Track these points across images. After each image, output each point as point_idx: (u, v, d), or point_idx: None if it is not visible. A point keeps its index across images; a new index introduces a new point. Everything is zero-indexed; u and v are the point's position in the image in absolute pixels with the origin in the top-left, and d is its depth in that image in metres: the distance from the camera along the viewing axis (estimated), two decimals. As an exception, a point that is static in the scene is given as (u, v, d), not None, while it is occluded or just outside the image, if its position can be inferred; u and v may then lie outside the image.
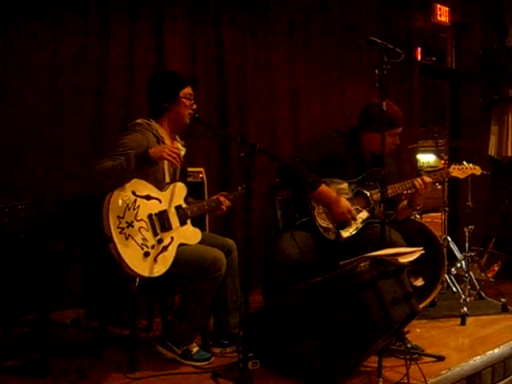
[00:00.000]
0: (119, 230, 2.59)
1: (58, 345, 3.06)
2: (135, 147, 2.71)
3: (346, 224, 3.14)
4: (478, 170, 3.52)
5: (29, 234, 3.00)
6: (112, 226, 2.57)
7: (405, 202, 3.33)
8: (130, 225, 2.64)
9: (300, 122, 4.83)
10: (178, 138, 3.07)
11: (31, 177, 3.54)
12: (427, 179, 3.23)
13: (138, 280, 2.69)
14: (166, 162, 2.87)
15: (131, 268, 2.58)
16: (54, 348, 2.97)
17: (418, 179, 3.22)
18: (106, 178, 2.60)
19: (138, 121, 2.89)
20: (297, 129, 4.82)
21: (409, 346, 2.84)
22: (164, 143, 2.88)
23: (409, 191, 3.24)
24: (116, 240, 2.56)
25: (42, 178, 3.59)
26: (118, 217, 2.61)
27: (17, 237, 2.95)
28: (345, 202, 3.14)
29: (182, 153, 3.01)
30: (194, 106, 2.96)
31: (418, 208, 3.46)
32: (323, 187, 3.12)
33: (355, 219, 3.16)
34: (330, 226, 3.14)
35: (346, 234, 3.13)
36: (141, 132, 2.82)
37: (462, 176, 3.47)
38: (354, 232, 3.15)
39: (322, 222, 3.13)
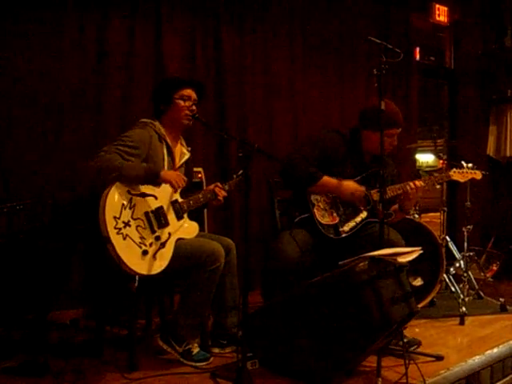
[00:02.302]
0: (116, 230, 2.58)
1: (56, 345, 3.05)
2: (137, 141, 2.78)
3: (344, 222, 3.14)
4: (478, 175, 3.51)
5: (28, 235, 3.00)
6: (109, 227, 2.56)
7: (396, 206, 3.32)
8: (127, 224, 2.64)
9: (299, 123, 4.84)
10: (183, 142, 3.10)
11: (30, 177, 3.54)
12: (419, 183, 3.20)
13: (137, 279, 2.68)
14: (166, 161, 2.91)
15: (130, 267, 2.58)
16: (53, 348, 2.97)
17: (410, 183, 3.20)
18: (109, 174, 2.64)
19: (143, 119, 2.96)
20: (295, 129, 4.82)
21: (405, 340, 2.84)
22: (166, 141, 2.92)
23: (399, 191, 3.22)
24: (114, 241, 2.56)
25: (41, 178, 3.59)
26: (115, 217, 2.60)
27: (16, 237, 2.94)
28: (350, 185, 3.13)
29: (186, 157, 3.05)
30: (193, 107, 2.97)
31: (408, 212, 3.44)
32: (325, 177, 3.12)
33: (367, 195, 3.15)
34: (330, 223, 3.13)
35: (344, 231, 3.13)
36: (145, 128, 2.89)
37: (462, 180, 3.47)
38: (352, 230, 3.14)
39: (321, 219, 3.13)
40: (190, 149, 3.13)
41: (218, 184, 3.08)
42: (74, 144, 3.72)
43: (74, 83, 3.73)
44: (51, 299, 3.20)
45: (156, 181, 2.75)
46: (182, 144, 3.10)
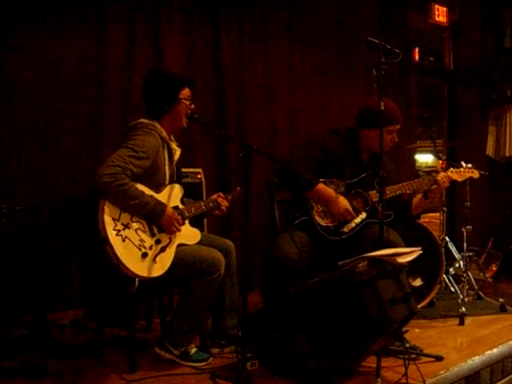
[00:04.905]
0: (115, 231, 2.57)
1: (55, 346, 3.05)
2: (148, 152, 2.70)
3: (344, 223, 3.14)
4: (476, 174, 3.52)
5: (26, 235, 3.00)
6: (108, 228, 2.55)
7: (419, 196, 3.33)
8: (126, 226, 2.62)
9: (298, 121, 4.85)
10: (172, 138, 3.00)
11: (29, 178, 3.54)
12: (445, 174, 3.30)
13: (137, 281, 2.68)
14: (166, 165, 2.86)
15: (129, 269, 2.57)
16: (52, 349, 2.97)
17: (441, 174, 3.28)
18: (127, 199, 2.60)
19: (144, 121, 2.82)
20: (295, 128, 4.83)
21: (407, 345, 2.84)
22: (168, 144, 2.87)
23: (409, 191, 3.23)
24: (112, 242, 2.55)
25: (40, 179, 3.58)
26: (114, 219, 2.59)
27: (14, 238, 2.94)
28: (343, 202, 3.13)
29: (178, 153, 2.98)
30: (192, 106, 2.92)
31: (434, 200, 3.48)
32: (321, 185, 3.11)
33: (353, 218, 3.15)
34: (329, 224, 3.13)
35: (344, 232, 3.13)
36: (153, 135, 2.77)
37: (460, 179, 3.47)
38: (352, 231, 3.14)
39: (321, 220, 3.13)
40: (177, 144, 3.01)
41: (221, 194, 3.06)
42: (73, 145, 3.72)
43: (74, 84, 3.73)
44: (49, 300, 3.20)
45: (157, 221, 2.71)
46: (172, 140, 2.98)
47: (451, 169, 3.46)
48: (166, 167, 2.86)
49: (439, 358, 2.89)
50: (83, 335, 3.29)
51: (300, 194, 3.16)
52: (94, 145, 3.79)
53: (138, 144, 2.68)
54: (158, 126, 2.83)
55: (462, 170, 3.46)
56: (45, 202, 3.40)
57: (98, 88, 3.83)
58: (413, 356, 2.80)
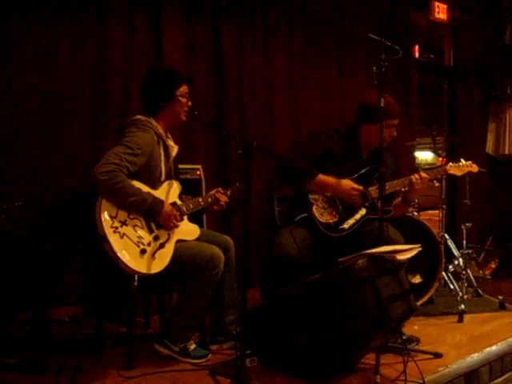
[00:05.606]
0: (113, 229, 2.57)
1: (55, 342, 3.05)
2: (144, 149, 2.70)
3: (344, 220, 3.14)
4: (474, 168, 3.53)
5: (27, 232, 3.00)
6: (105, 226, 2.55)
7: (399, 199, 3.33)
8: (124, 223, 2.62)
9: (299, 119, 4.84)
10: (169, 135, 2.99)
11: (29, 174, 3.54)
12: (424, 175, 3.24)
13: (137, 278, 2.68)
14: (162, 161, 2.86)
15: (128, 266, 2.57)
16: (52, 345, 2.97)
17: (416, 174, 3.24)
18: (123, 196, 2.60)
19: (140, 117, 2.82)
20: (296, 126, 4.83)
21: (404, 337, 2.85)
22: (163, 141, 2.87)
23: (406, 188, 3.24)
24: (110, 239, 2.55)
25: (40, 175, 3.58)
26: (111, 216, 2.59)
27: (15, 234, 2.94)
28: (346, 182, 3.14)
29: (176, 149, 2.98)
30: (189, 104, 2.93)
31: (412, 204, 3.46)
32: (321, 176, 3.12)
33: (364, 193, 3.15)
34: (329, 221, 3.14)
35: (344, 228, 3.13)
36: (148, 131, 2.77)
37: (459, 174, 3.48)
38: (352, 227, 3.14)
39: (321, 217, 3.13)
40: (175, 141, 3.01)
41: (220, 189, 3.05)
42: (74, 141, 3.72)
43: (74, 80, 3.72)
44: (49, 296, 3.21)
45: (155, 217, 2.72)
46: (168, 137, 2.98)
47: (450, 163, 3.47)
48: (162, 164, 2.87)
49: (438, 355, 2.89)
50: (83, 331, 3.29)
51: (301, 189, 3.16)
52: (93, 141, 3.79)
53: (133, 141, 2.68)
54: (154, 122, 2.83)
55: (460, 164, 3.47)
56: (45, 198, 3.40)
57: (98, 84, 3.82)
58: (412, 345, 2.82)
